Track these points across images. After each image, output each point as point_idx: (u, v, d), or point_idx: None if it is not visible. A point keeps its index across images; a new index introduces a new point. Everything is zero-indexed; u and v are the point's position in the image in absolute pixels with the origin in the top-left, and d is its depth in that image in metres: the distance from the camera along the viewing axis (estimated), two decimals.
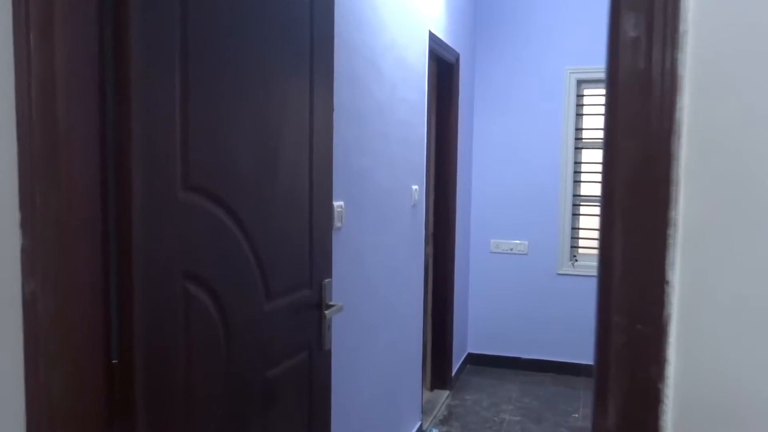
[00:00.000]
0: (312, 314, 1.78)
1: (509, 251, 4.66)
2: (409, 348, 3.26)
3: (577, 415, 3.89)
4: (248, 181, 1.45)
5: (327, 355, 1.88)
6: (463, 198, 4.41)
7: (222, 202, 1.35)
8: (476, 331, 4.77)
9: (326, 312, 1.80)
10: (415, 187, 3.21)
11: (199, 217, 1.29)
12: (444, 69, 3.97)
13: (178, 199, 1.23)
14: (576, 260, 4.53)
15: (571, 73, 4.44)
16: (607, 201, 0.81)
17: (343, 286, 2.29)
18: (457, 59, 4.04)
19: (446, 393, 4.15)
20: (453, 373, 4.30)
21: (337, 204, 2.22)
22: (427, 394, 3.97)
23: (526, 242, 4.62)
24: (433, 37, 3.41)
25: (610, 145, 0.80)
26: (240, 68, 1.41)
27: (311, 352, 1.78)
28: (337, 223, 2.22)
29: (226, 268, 1.39)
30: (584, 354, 4.53)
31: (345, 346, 2.28)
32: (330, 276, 1.86)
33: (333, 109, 1.88)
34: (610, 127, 0.81)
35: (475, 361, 4.76)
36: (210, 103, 1.31)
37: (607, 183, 0.81)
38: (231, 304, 1.39)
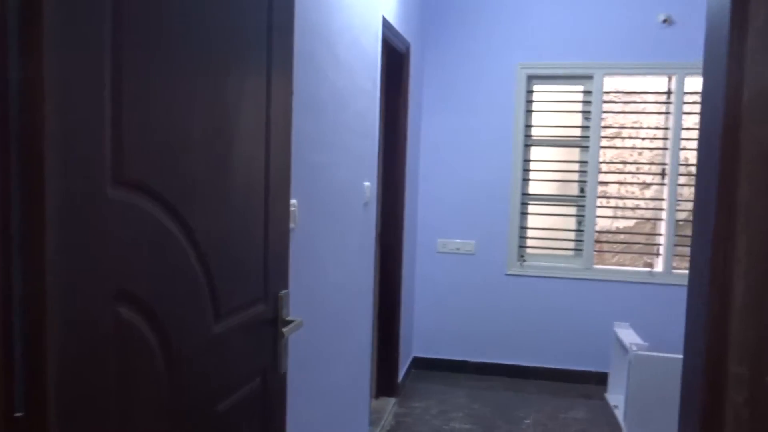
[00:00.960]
0: (267, 333, 1.51)
1: (456, 251, 4.50)
2: (359, 356, 3.02)
3: (529, 421, 3.77)
4: (197, 177, 1.17)
5: (282, 379, 1.61)
6: (410, 196, 4.20)
7: (164, 201, 1.07)
8: (422, 334, 4.59)
9: (283, 330, 1.54)
10: (367, 183, 2.97)
11: (134, 221, 1.01)
12: (394, 59, 3.75)
13: (108, 197, 0.94)
14: (524, 260, 4.42)
15: (521, 68, 4.31)
16: (724, 206, 0.59)
17: (296, 294, 2.03)
18: (408, 49, 3.82)
19: (393, 401, 3.94)
20: (399, 380, 4.09)
21: (291, 203, 1.96)
22: (373, 403, 3.74)
23: (474, 242, 4.47)
24: (386, 23, 3.18)
25: (731, 131, 0.58)
26: (189, 42, 1.13)
27: (266, 377, 1.52)
28: (290, 225, 1.96)
29: (169, 285, 1.10)
30: (534, 356, 4.43)
31: (295, 361, 2.01)
32: (287, 287, 1.59)
33: (292, 93, 1.62)
34: (729, 108, 0.59)
35: (421, 365, 4.57)
36: (150, 77, 1.03)
37: (723, 181, 0.59)
38: (174, 330, 1.11)
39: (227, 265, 1.30)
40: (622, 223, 4.70)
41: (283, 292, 1.56)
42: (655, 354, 3.40)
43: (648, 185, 4.62)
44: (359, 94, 2.72)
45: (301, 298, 2.06)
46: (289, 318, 1.57)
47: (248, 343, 1.42)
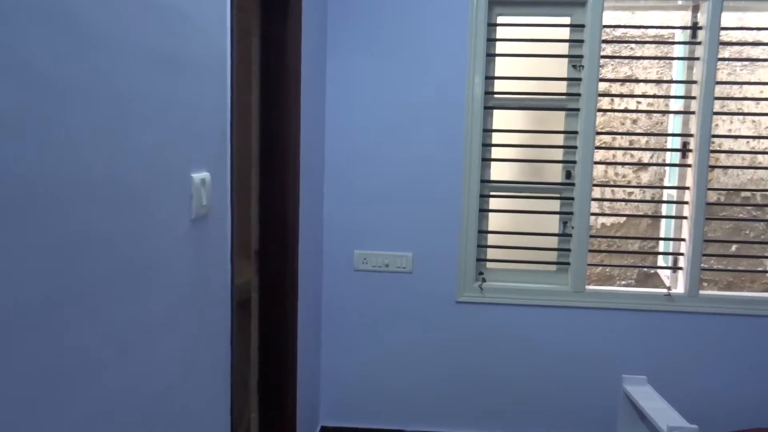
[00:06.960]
0: None
1: (384, 268, 2.99)
2: None
3: None
4: None
5: None
6: (309, 187, 2.65)
7: None
8: (333, 395, 3.07)
9: None
10: (200, 176, 1.38)
11: None
12: None
13: None
14: (484, 280, 2.97)
15: None
16: None
17: None
18: None
19: None
20: None
21: None
22: None
23: (410, 254, 2.97)
24: None
25: None
26: None
27: None
28: None
29: None
30: (500, 422, 3.01)
31: None
32: None
33: None
34: None
35: None
36: None
37: None
38: None
39: None
40: (611, 221, 3.35)
41: None
42: None
43: (645, 166, 3.29)
44: None
45: None
46: None
47: None
